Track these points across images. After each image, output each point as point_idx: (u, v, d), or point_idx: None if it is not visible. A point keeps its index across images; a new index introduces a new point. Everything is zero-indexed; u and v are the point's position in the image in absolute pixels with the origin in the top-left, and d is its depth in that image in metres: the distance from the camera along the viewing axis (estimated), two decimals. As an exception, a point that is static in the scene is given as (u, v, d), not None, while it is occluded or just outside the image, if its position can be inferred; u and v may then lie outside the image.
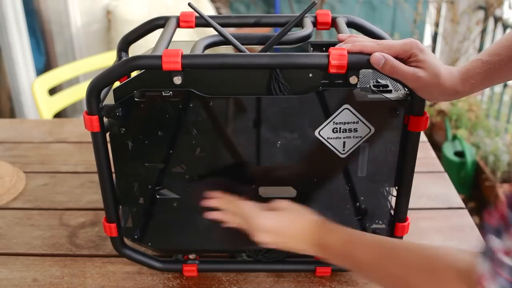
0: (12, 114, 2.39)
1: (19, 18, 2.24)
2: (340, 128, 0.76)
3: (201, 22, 0.88)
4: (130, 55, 0.86)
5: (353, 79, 0.72)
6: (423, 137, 1.35)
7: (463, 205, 1.08)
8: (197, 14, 0.85)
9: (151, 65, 0.71)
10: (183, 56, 0.70)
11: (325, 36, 3.04)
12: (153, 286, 0.88)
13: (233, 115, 0.76)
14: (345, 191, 0.81)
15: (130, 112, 0.75)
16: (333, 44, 0.77)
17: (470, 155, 2.42)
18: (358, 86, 0.73)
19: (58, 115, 2.01)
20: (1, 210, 1.09)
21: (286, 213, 0.76)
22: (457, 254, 0.56)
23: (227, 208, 0.79)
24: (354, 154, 0.78)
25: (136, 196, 0.82)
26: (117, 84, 0.76)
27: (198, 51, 0.78)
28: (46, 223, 1.05)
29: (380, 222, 0.85)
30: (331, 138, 0.76)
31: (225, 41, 0.82)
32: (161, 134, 0.77)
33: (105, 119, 0.76)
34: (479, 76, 0.70)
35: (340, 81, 0.73)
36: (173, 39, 0.84)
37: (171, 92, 0.73)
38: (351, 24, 0.88)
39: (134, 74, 0.75)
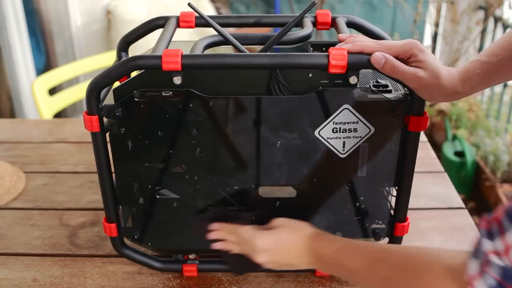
0: (12, 114, 2.38)
1: (19, 18, 2.24)
2: (340, 128, 0.76)
3: (201, 22, 0.88)
4: (130, 55, 0.86)
5: (353, 79, 0.72)
6: (423, 137, 1.35)
7: (463, 205, 1.08)
8: (197, 14, 0.85)
9: (151, 65, 0.71)
10: (183, 56, 0.70)
11: (325, 36, 3.04)
12: (153, 286, 0.88)
13: (233, 115, 0.76)
14: (345, 191, 0.81)
15: (130, 112, 0.75)
16: (333, 44, 0.77)
17: (470, 155, 2.42)
18: (358, 86, 0.73)
19: (58, 115, 2.01)
20: (1, 210, 1.09)
21: (282, 229, 0.76)
22: (448, 254, 0.56)
23: (228, 238, 0.80)
24: (354, 154, 0.78)
25: (136, 196, 0.82)
26: (117, 84, 0.76)
27: (198, 51, 0.78)
28: (46, 223, 1.05)
29: (380, 222, 0.85)
30: (331, 138, 0.76)
31: (225, 41, 0.82)
32: (161, 134, 0.77)
33: (105, 119, 0.76)
34: (478, 77, 0.70)
35: (340, 81, 0.73)
36: (173, 39, 0.84)
37: (171, 92, 0.73)
38: (351, 24, 0.88)
39: (134, 74, 0.75)
